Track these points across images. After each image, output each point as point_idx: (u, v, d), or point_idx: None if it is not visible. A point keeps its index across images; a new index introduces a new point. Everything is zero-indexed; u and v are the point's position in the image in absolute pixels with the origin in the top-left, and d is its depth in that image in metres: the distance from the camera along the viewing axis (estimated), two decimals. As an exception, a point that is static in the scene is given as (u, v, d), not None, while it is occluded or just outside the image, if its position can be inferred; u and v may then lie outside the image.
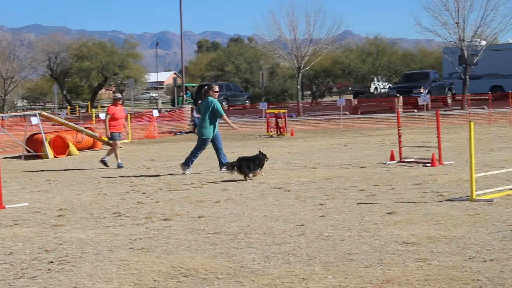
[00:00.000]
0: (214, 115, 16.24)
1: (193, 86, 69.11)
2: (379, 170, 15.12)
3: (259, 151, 15.26)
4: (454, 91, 48.04)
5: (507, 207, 9.94)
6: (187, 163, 16.36)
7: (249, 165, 14.53)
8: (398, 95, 41.59)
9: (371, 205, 10.70)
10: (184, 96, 55.24)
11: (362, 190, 12.25)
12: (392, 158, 16.51)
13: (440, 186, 12.27)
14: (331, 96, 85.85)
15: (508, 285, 6.24)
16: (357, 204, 10.86)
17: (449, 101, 46.38)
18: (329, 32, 48.36)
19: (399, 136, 16.75)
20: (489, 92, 38.76)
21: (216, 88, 16.70)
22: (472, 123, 10.64)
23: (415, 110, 38.34)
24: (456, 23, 42.23)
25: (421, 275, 6.70)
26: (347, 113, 40.29)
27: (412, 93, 43.07)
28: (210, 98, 16.36)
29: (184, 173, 16.12)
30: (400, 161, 16.30)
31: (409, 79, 48.78)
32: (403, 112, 36.59)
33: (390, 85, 60.13)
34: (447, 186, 12.30)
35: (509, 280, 6.39)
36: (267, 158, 15.18)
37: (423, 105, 32.32)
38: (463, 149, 18.28)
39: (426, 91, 44.43)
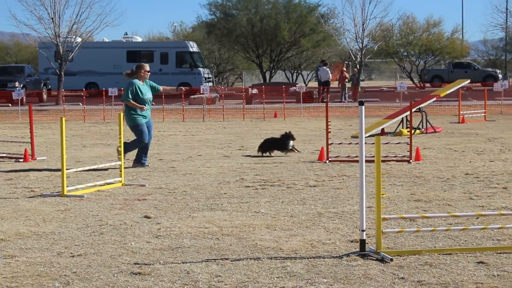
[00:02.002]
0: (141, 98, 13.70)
1: None
2: (-31, 166, 14.56)
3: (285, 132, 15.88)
4: (50, 86, 47.91)
5: (97, 202, 10.21)
6: (138, 161, 13.92)
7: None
8: (-9, 88, 40.38)
9: (-42, 202, 10.27)
10: None
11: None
12: (-17, 154, 15.98)
13: (32, 182, 12.18)
14: None
15: (95, 279, 6.42)
16: None
17: (45, 96, 46.17)
18: None
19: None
20: (84, 89, 39.32)
21: (147, 67, 13.88)
22: (63, 118, 10.74)
23: (10, 105, 37.50)
24: (52, 18, 42.05)
25: (8, 272, 6.62)
26: None
27: (6, 87, 42.10)
28: (133, 79, 13.75)
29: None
30: (-8, 157, 15.84)
31: (4, 73, 47.55)
32: (-2, 106, 35.63)
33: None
34: (39, 181, 12.25)
35: (95, 274, 6.57)
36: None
37: (18, 99, 31.70)
38: (56, 144, 18.33)
39: (21, 85, 43.74)
